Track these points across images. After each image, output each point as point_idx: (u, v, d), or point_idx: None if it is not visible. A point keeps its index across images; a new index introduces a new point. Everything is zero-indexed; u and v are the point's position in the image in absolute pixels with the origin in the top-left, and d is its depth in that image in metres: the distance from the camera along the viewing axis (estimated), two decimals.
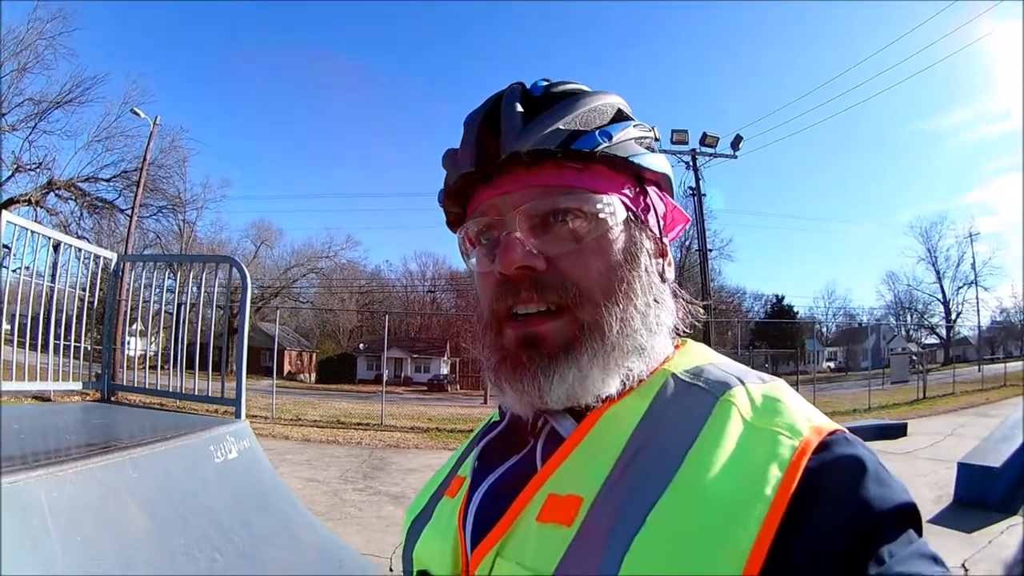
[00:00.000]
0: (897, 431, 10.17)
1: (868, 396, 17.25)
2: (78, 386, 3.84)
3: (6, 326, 3.50)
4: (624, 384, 0.51)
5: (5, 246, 3.12)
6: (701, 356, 0.56)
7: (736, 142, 19.54)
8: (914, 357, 28.57)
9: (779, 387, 0.50)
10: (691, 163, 19.73)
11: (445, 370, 39.83)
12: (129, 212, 19.49)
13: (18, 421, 2.63)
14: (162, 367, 4.38)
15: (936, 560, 0.40)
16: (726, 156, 19.69)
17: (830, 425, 0.45)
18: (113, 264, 4.01)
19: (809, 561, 0.38)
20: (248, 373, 3.79)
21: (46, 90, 21.05)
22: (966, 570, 4.02)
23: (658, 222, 0.58)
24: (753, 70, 78.00)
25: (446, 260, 48.28)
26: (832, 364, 44.42)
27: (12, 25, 19.68)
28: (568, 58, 77.71)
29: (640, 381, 0.52)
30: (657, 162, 0.57)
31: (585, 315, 0.50)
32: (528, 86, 0.56)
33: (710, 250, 21.24)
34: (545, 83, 0.56)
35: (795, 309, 46.06)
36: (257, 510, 2.60)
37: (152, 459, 2.15)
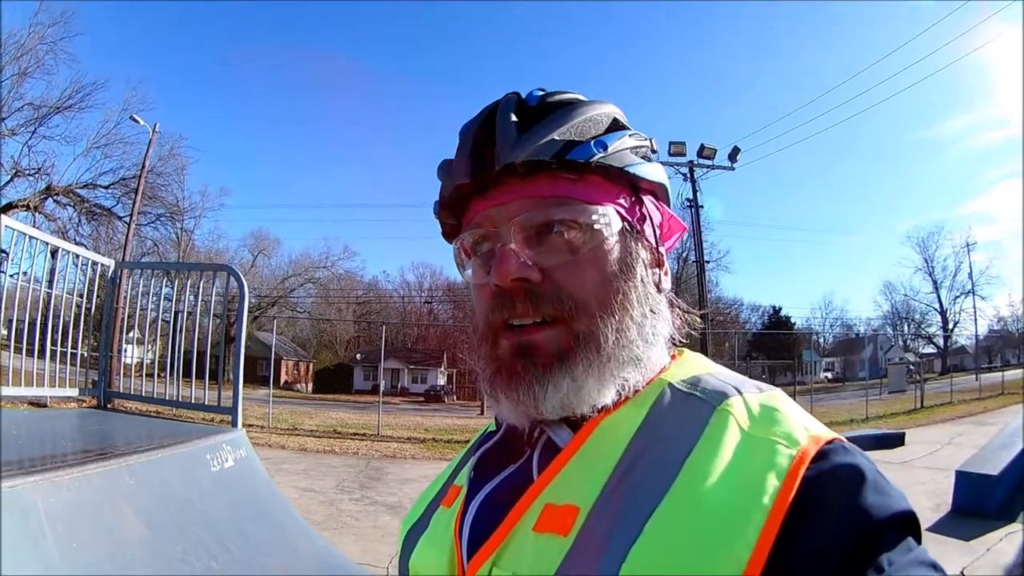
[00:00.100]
0: (895, 440, 10.15)
1: (866, 406, 17.21)
2: (75, 392, 3.81)
3: (3, 331, 3.49)
4: (620, 394, 0.51)
5: (3, 251, 3.12)
6: (698, 366, 0.56)
7: (734, 154, 19.53)
8: (911, 367, 28.45)
9: (776, 397, 0.50)
10: (688, 175, 19.77)
11: (442, 381, 39.60)
12: (127, 219, 19.46)
13: (16, 426, 2.62)
14: (159, 375, 4.36)
15: (935, 567, 0.40)
16: (724, 168, 19.66)
17: (828, 434, 0.45)
18: (111, 271, 4.00)
19: (808, 570, 0.38)
20: (245, 382, 3.77)
21: (46, 95, 21.09)
22: None
23: (654, 232, 0.58)
24: (751, 81, 78.49)
25: (443, 271, 48.25)
26: (829, 374, 44.19)
27: (13, 29, 19.72)
28: (568, 58, 78.09)
29: (636, 391, 0.52)
30: (653, 172, 0.57)
31: (581, 326, 0.50)
32: (524, 95, 0.56)
33: (707, 261, 21.28)
34: (541, 93, 0.56)
35: (792, 320, 46.30)
36: (253, 519, 2.58)
37: (149, 466, 2.13)
